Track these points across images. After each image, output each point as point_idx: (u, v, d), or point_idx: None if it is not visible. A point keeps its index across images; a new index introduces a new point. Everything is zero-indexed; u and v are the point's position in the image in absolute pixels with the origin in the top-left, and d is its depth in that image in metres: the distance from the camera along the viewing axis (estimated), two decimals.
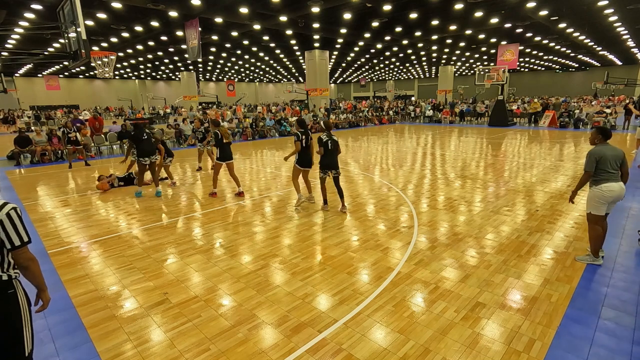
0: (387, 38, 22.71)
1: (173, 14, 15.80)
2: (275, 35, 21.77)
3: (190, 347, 2.90)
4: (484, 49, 28.84)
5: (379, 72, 52.22)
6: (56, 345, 2.98)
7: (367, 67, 43.49)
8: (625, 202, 6.34)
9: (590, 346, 2.83)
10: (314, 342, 2.93)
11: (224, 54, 29.24)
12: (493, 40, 25.11)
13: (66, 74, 41.07)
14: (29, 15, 14.65)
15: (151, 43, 22.85)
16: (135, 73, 44.38)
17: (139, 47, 24.14)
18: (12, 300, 1.99)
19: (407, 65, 42.87)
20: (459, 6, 15.91)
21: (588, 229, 4.23)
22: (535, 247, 4.64)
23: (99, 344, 2.98)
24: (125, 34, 19.99)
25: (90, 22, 16.39)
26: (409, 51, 29.80)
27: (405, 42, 24.24)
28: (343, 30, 20.40)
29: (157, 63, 34.25)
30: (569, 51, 31.54)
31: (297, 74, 49.15)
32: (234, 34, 20.35)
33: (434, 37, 22.58)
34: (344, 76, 55.70)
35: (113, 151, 14.52)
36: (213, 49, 26.33)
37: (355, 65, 40.92)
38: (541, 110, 21.95)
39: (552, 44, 27.13)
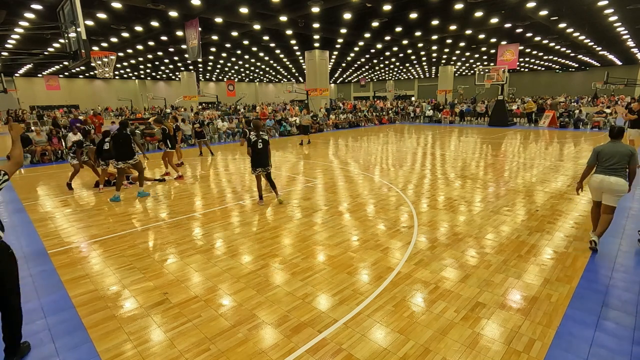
0: (387, 38, 22.70)
1: (173, 14, 15.79)
2: (275, 35, 21.76)
3: (190, 347, 2.90)
4: (484, 49, 28.83)
5: (379, 72, 52.20)
6: (56, 345, 2.98)
7: (367, 67, 43.47)
8: (625, 202, 6.34)
9: (590, 346, 2.83)
10: (314, 342, 2.93)
11: (224, 54, 29.24)
12: (493, 40, 25.10)
13: (66, 74, 41.04)
14: (29, 15, 14.64)
15: (151, 43, 22.84)
16: (135, 73, 44.36)
17: (139, 47, 24.13)
18: (14, 258, 2.78)
19: (407, 65, 42.85)
20: (459, 6, 15.90)
21: None
22: (535, 247, 4.64)
23: (99, 344, 2.98)
24: (125, 34, 19.98)
25: (90, 22, 16.38)
26: (409, 51, 29.79)
27: (405, 42, 24.23)
28: (343, 30, 20.40)
29: (157, 63, 34.24)
30: (569, 51, 31.53)
31: (297, 74, 49.14)
32: (234, 34, 20.34)
33: (434, 37, 22.56)
34: (344, 76, 55.68)
35: None
36: (213, 49, 26.33)
37: (355, 65, 40.90)
38: (536, 109, 21.96)
39: (552, 44, 27.11)
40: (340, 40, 23.26)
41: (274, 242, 5.05)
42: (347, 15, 17.22)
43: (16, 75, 39.49)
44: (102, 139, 7.91)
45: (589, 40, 25.65)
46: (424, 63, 40.70)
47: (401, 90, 58.27)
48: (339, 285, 3.82)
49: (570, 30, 21.31)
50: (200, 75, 47.51)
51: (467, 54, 32.42)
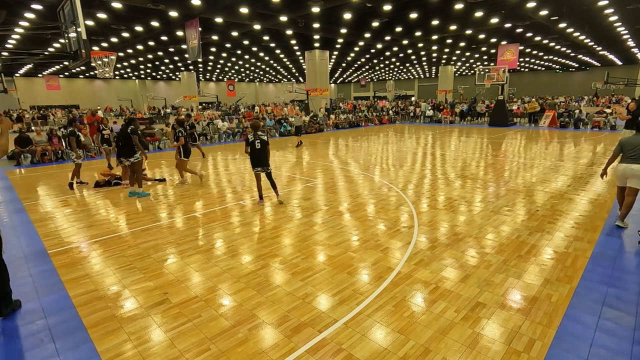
0: (387, 38, 22.70)
1: (173, 14, 15.80)
2: (275, 35, 21.77)
3: (190, 347, 2.90)
4: (484, 49, 28.82)
5: (379, 72, 52.19)
6: (56, 345, 2.98)
7: (367, 67, 43.46)
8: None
9: (590, 346, 2.83)
10: (314, 342, 2.93)
11: (224, 54, 29.23)
12: (493, 40, 25.10)
13: (66, 74, 41.04)
14: (29, 15, 14.64)
15: (151, 43, 22.84)
16: (136, 73, 44.36)
17: (139, 47, 24.13)
18: None
19: (407, 65, 42.84)
20: (459, 6, 15.91)
21: None
22: (535, 247, 4.64)
23: (99, 344, 2.98)
24: (125, 34, 19.98)
25: (90, 22, 16.39)
26: (409, 51, 29.78)
27: (405, 42, 24.23)
28: (343, 30, 20.40)
29: (157, 63, 34.24)
30: (569, 51, 31.52)
31: (297, 74, 49.14)
32: (234, 34, 20.35)
33: (434, 37, 22.57)
34: (344, 76, 55.67)
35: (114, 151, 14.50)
36: (213, 49, 26.33)
37: (355, 65, 40.89)
38: (539, 110, 21.93)
39: (552, 44, 27.11)
40: (340, 40, 23.25)
41: (274, 242, 5.04)
42: (347, 15, 17.23)
43: (16, 75, 39.48)
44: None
45: (589, 40, 25.64)
46: (424, 63, 40.69)
47: (401, 90, 58.24)
48: (339, 285, 3.82)
49: (570, 30, 21.31)
50: (200, 75, 47.50)
51: (467, 54, 32.42)
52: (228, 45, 24.74)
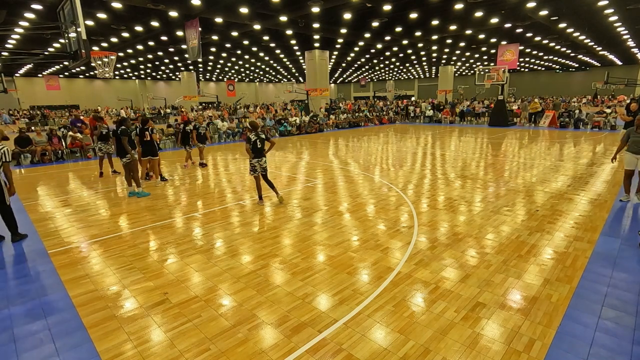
0: (387, 38, 22.71)
1: (173, 14, 15.80)
2: (275, 35, 21.77)
3: (190, 347, 2.90)
4: (484, 49, 28.83)
5: (379, 72, 52.21)
6: (56, 345, 2.98)
7: (367, 67, 43.48)
8: (626, 203, 6.35)
9: (590, 346, 2.83)
10: (314, 342, 2.93)
11: (224, 54, 29.24)
12: (493, 40, 25.11)
13: (66, 74, 41.06)
14: (29, 15, 14.64)
15: (151, 43, 22.85)
16: (135, 73, 44.38)
17: (139, 47, 24.14)
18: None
19: (407, 65, 42.86)
20: (459, 6, 15.91)
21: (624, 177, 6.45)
22: (535, 247, 4.64)
23: (99, 344, 2.98)
24: (125, 34, 19.99)
25: (90, 22, 16.39)
26: (409, 51, 29.80)
27: (405, 42, 24.23)
28: (343, 30, 20.40)
29: (157, 63, 34.25)
30: (569, 51, 31.53)
31: (297, 74, 49.16)
32: (234, 34, 20.35)
33: (434, 37, 22.58)
34: (344, 76, 55.69)
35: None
36: (213, 49, 26.33)
37: (355, 65, 40.91)
38: (541, 110, 21.91)
39: (552, 44, 27.12)
40: (340, 40, 23.26)
41: (274, 242, 5.04)
42: (347, 15, 17.23)
43: (16, 75, 39.51)
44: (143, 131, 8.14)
45: (589, 40, 25.65)
46: (424, 63, 40.71)
47: (401, 90, 58.25)
48: (339, 285, 3.82)
49: (570, 30, 21.32)
50: (200, 75, 47.52)
51: (467, 54, 32.43)
52: (228, 45, 24.74)
